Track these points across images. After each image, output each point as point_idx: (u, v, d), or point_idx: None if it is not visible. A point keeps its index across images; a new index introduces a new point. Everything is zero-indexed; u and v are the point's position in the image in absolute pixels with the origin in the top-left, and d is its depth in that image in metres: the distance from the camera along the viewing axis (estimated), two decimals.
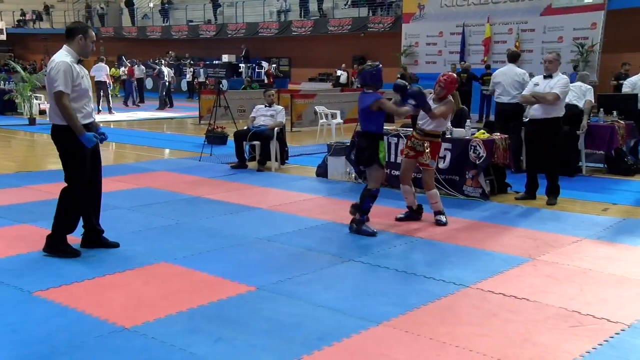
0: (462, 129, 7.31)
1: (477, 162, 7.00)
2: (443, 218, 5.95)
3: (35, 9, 36.26)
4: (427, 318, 3.72)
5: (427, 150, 5.88)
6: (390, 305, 3.89)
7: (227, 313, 3.73)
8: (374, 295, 4.09)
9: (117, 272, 4.42)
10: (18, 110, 16.08)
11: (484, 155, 6.96)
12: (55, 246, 4.75)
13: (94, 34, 4.93)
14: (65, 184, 4.80)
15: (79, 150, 4.67)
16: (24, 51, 36.47)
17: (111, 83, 19.51)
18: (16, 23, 36.30)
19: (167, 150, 11.18)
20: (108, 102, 18.29)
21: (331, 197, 7.22)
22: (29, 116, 14.92)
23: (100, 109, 18.06)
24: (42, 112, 16.21)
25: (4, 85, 17.58)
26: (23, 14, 36.64)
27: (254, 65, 26.93)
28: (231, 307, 3.82)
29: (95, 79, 18.15)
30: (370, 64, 5.66)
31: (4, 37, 34.23)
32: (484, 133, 7.27)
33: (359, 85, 17.56)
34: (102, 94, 18.19)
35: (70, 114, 4.52)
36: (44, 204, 6.51)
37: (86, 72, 4.87)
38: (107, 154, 11.35)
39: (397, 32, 23.91)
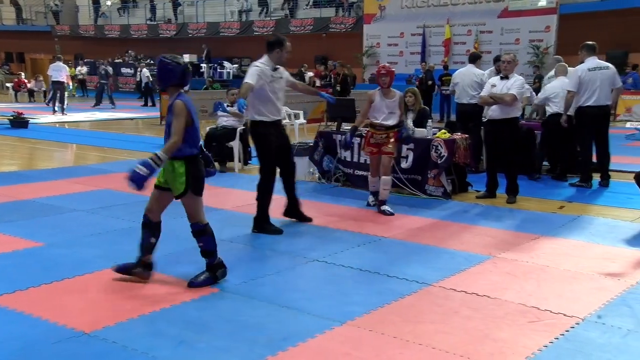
0: (424, 129, 7.40)
1: (439, 162, 7.09)
2: (388, 208, 6.35)
3: None
4: (390, 317, 3.74)
5: (391, 140, 6.36)
6: (354, 304, 3.90)
7: (189, 315, 3.68)
8: (338, 295, 4.10)
9: (76, 275, 4.32)
10: None
11: (446, 154, 7.06)
12: (262, 225, 5.54)
13: (289, 45, 5.65)
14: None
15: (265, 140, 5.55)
16: None
17: (69, 83, 19.08)
18: None
19: (127, 152, 10.98)
20: (62, 102, 17.82)
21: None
22: None
23: (56, 109, 17.63)
24: None
25: None
26: None
27: (215, 65, 26.69)
28: (193, 310, 3.78)
29: (53, 79, 17.69)
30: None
31: None
32: (445, 133, 7.37)
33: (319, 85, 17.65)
34: (58, 94, 17.73)
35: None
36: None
37: (285, 76, 5.71)
38: (66, 155, 11.10)
39: (358, 33, 24.09)
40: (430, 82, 17.28)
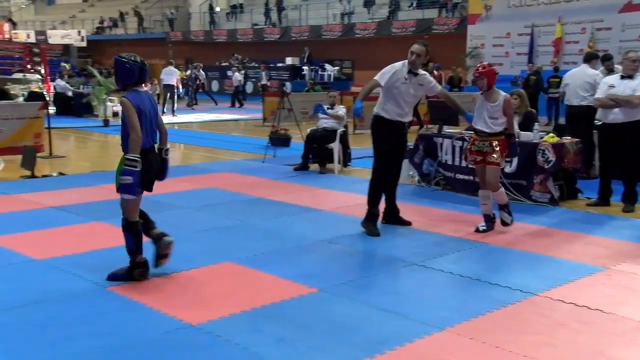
0: (530, 133, 7.10)
1: (546, 167, 6.77)
2: (507, 216, 5.70)
3: (112, 17, 37.89)
4: (491, 325, 3.62)
5: (497, 149, 5.59)
6: (453, 311, 3.81)
7: (289, 314, 3.76)
8: (437, 300, 4.03)
9: (183, 270, 4.54)
10: (94, 113, 16.79)
11: (553, 159, 6.73)
12: (364, 222, 5.66)
13: (416, 47, 5.71)
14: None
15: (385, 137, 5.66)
16: (100, 57, 38.14)
17: (180, 87, 20.16)
18: (95, 30, 38.03)
19: (231, 152, 11.40)
20: (173, 105, 18.89)
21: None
22: (103, 118, 15.56)
23: (165, 110, 18.68)
24: (115, 115, 16.91)
25: (82, 89, 18.40)
26: (101, 21, 38.35)
27: (316, 67, 27.09)
28: (293, 308, 3.85)
29: (164, 82, 18.80)
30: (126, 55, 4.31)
31: (84, 44, 35.95)
32: (553, 137, 7.03)
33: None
34: (168, 96, 18.79)
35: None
36: (115, 203, 6.75)
37: (428, 85, 5.74)
38: (174, 154, 11.69)
39: (462, 34, 23.52)
40: (533, 78, 16.46)
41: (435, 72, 18.69)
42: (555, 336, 3.48)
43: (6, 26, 40.26)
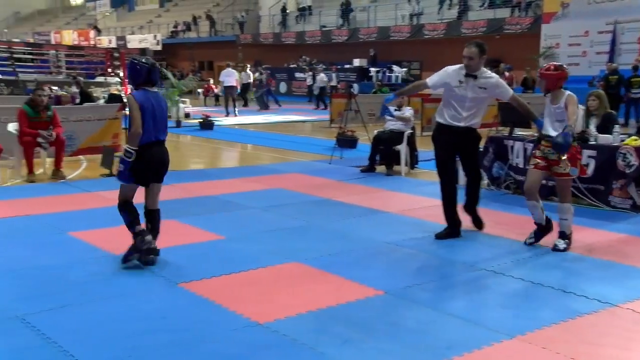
0: (609, 135, 6.78)
1: (627, 171, 6.45)
2: (562, 244, 5.11)
3: (186, 20, 39.16)
4: (566, 335, 3.48)
5: (564, 158, 5.01)
6: (524, 318, 3.70)
7: (354, 315, 3.75)
8: (508, 307, 3.92)
9: (250, 269, 4.62)
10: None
11: (636, 163, 6.40)
12: (447, 231, 5.57)
13: (465, 50, 5.39)
14: None
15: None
16: (173, 59, 39.50)
17: (238, 87, 20.63)
18: (169, 34, 39.42)
19: (298, 153, 11.51)
20: (234, 105, 19.54)
21: (462, 203, 7.00)
22: (176, 119, 16.08)
23: (228, 112, 19.17)
24: (187, 116, 17.44)
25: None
26: (175, 25, 39.70)
27: (384, 69, 26.96)
28: (359, 310, 3.84)
29: (225, 84, 19.40)
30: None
31: (159, 47, 37.34)
32: (636, 139, 6.69)
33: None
34: (229, 97, 19.47)
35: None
36: (187, 202, 6.99)
37: (493, 90, 5.47)
38: (243, 155, 11.93)
39: (535, 33, 22.78)
40: (614, 78, 15.65)
41: (507, 74, 18.23)
42: (638, 351, 3.31)
43: (92, 33, 42.43)
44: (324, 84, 23.20)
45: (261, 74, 24.18)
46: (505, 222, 6.13)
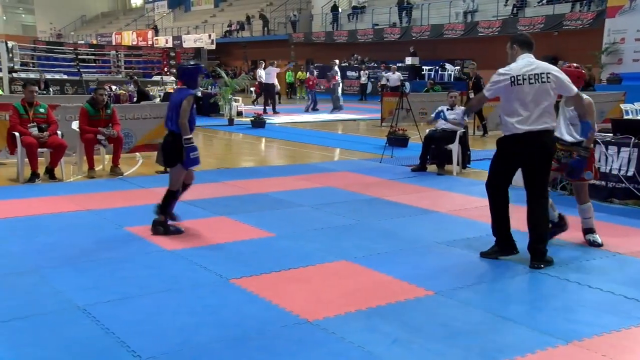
0: None
1: None
2: (598, 238, 5.18)
3: (240, 20, 39.76)
4: (627, 343, 3.37)
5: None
6: (581, 324, 3.59)
7: (404, 315, 3.74)
8: (564, 311, 3.82)
9: (300, 266, 4.66)
10: (220, 112, 17.70)
11: None
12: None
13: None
14: None
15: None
16: (227, 58, 40.15)
17: (278, 85, 20.96)
18: (224, 34, 40.11)
19: (349, 152, 11.52)
20: (274, 103, 19.88)
21: (514, 204, 6.85)
22: (228, 117, 16.35)
23: (266, 109, 19.40)
24: (239, 114, 17.70)
25: (210, 89, 19.52)
26: (230, 25, 40.35)
27: (437, 67, 26.60)
28: (408, 310, 3.82)
29: (264, 81, 19.65)
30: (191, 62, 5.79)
31: (213, 47, 38.05)
32: None
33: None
34: (269, 95, 19.90)
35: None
36: (239, 199, 7.11)
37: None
38: (294, 153, 12.02)
39: (596, 29, 21.98)
40: None
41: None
42: None
43: (150, 33, 43.61)
44: (397, 83, 21.67)
45: (312, 73, 24.19)
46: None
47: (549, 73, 4.59)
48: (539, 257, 4.65)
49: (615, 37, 21.41)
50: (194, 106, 5.41)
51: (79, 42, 39.39)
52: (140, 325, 3.56)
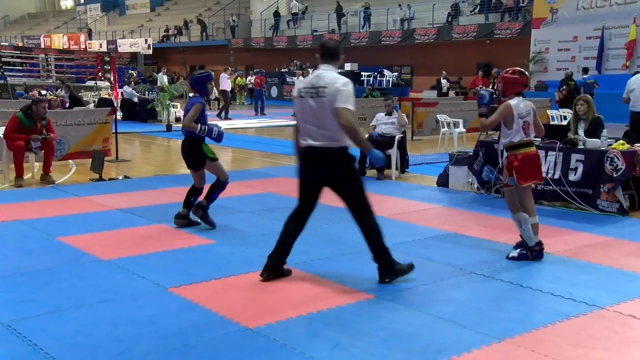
0: (597, 139, 6.84)
1: (615, 175, 6.51)
2: (515, 254, 4.97)
3: (177, 25, 39.13)
4: (554, 338, 3.51)
5: (503, 167, 4.99)
6: (513, 321, 3.72)
7: (345, 319, 3.76)
8: (496, 310, 3.94)
9: (241, 273, 4.62)
10: (158, 118, 17.33)
11: (623, 167, 6.46)
12: (392, 271, 4.40)
13: None
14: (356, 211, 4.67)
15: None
16: (165, 64, 39.44)
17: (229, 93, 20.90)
18: (160, 38, 39.37)
19: (289, 157, 11.50)
20: (227, 110, 19.78)
21: (452, 207, 7.05)
22: (166, 123, 16.03)
23: (221, 115, 19.23)
24: (177, 120, 17.40)
25: (148, 95, 19.09)
26: (167, 30, 39.65)
27: (375, 73, 27.03)
28: (349, 314, 3.85)
29: (220, 88, 19.52)
30: (201, 71, 6.17)
31: (150, 51, 37.27)
32: (623, 144, 6.75)
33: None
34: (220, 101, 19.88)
35: (357, 129, 4.30)
36: (178, 206, 6.95)
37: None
38: (234, 159, 11.92)
39: (524, 39, 22.98)
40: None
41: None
42: (628, 353, 3.35)
43: (82, 37, 42.29)
44: None
45: (258, 74, 24.15)
46: (495, 225, 6.16)
47: (325, 87, 4.22)
48: (384, 271, 4.38)
49: (541, 47, 22.47)
50: (204, 112, 5.75)
51: (2, 43, 37.72)
52: (74, 338, 3.43)
